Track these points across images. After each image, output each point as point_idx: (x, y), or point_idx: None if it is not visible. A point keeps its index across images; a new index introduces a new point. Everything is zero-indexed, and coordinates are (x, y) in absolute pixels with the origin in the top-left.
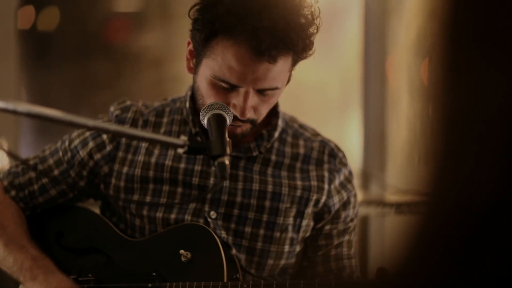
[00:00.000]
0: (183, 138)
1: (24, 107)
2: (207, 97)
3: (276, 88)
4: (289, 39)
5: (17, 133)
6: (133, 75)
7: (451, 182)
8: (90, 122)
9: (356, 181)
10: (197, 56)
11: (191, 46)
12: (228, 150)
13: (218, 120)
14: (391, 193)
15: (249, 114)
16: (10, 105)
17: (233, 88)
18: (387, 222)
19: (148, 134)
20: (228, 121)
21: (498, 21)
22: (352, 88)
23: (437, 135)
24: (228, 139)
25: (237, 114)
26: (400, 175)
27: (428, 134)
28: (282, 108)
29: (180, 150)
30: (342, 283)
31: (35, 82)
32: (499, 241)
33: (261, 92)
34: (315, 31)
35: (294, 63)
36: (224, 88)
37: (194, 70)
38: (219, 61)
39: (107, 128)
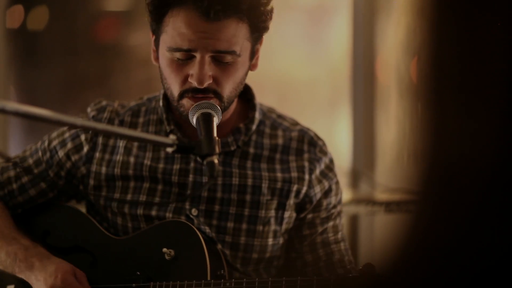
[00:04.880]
0: (172, 138)
1: (12, 106)
2: (168, 77)
3: (233, 52)
4: (235, 0)
5: (6, 132)
6: (123, 74)
7: (440, 180)
8: (79, 121)
9: (345, 180)
10: (156, 40)
11: (153, 38)
12: (217, 149)
13: (207, 119)
14: (381, 191)
15: (207, 82)
16: None
17: (188, 58)
18: (376, 221)
19: (137, 133)
20: (217, 120)
21: (484, 19)
22: (341, 86)
23: (426, 134)
24: (217, 138)
25: (195, 83)
26: (390, 173)
27: (417, 133)
28: (272, 106)
29: (169, 149)
30: (323, 280)
31: (24, 81)
32: (489, 238)
33: (219, 61)
34: (266, 1)
35: (252, 31)
36: (180, 61)
37: (157, 57)
38: (170, 32)
39: (95, 127)
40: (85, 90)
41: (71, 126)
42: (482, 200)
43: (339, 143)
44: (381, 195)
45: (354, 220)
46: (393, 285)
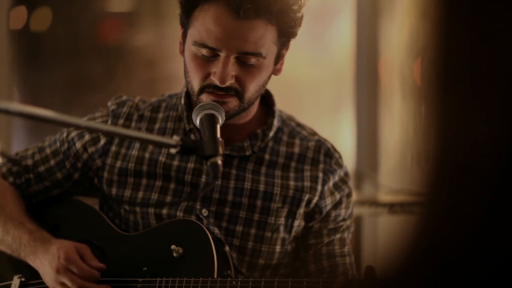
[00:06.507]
0: (176, 138)
1: (16, 107)
2: (191, 71)
3: (259, 54)
4: (267, 1)
5: (10, 133)
6: (126, 75)
7: (444, 182)
8: (83, 122)
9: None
10: (184, 33)
11: (181, 31)
12: (220, 150)
13: (211, 120)
14: (384, 193)
15: (229, 81)
16: (2, 105)
17: (213, 56)
18: (380, 222)
19: (140, 134)
20: (221, 120)
21: (489, 20)
22: (344, 88)
23: (430, 135)
24: (220, 139)
25: (217, 81)
26: (393, 175)
27: (421, 134)
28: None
29: (173, 150)
30: (329, 282)
31: (27, 82)
32: (492, 241)
33: (244, 62)
34: (297, 7)
35: (280, 36)
36: (205, 57)
37: (183, 50)
38: (198, 27)
39: (99, 128)
40: (88, 91)
41: (75, 127)
42: (487, 201)
43: (343, 145)
44: (384, 197)
45: (357, 222)
46: (398, 287)
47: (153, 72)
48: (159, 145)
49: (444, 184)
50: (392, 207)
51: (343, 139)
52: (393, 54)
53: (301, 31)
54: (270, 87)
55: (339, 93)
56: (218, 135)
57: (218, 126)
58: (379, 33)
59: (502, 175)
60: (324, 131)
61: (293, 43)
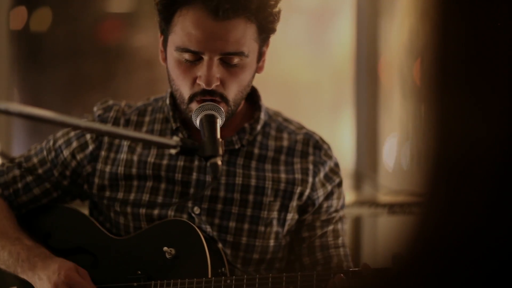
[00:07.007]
0: (176, 139)
1: (16, 107)
2: (176, 78)
3: (241, 53)
4: None
5: (9, 133)
6: (126, 75)
7: (443, 182)
8: (82, 123)
9: (348, 182)
10: (164, 40)
11: (162, 38)
12: (220, 151)
13: (210, 120)
14: (384, 193)
15: (215, 83)
16: (2, 106)
17: (196, 59)
18: (379, 223)
19: (141, 135)
20: (221, 121)
21: (488, 20)
22: (344, 88)
23: (429, 135)
24: (220, 139)
25: (203, 85)
26: (393, 175)
27: (420, 135)
28: (274, 108)
29: (173, 151)
30: (323, 274)
31: (27, 83)
32: (492, 241)
33: (227, 63)
34: (274, 2)
35: (260, 32)
36: (188, 62)
37: (165, 57)
38: (179, 32)
39: (99, 128)
40: (88, 92)
41: (75, 127)
42: (486, 201)
43: (343, 145)
44: (384, 197)
45: (357, 222)
46: (397, 286)
47: (153, 72)
48: (160, 146)
49: (443, 184)
50: (391, 208)
51: (343, 139)
52: (393, 55)
53: (301, 31)
54: (270, 87)
55: (339, 93)
56: (218, 135)
57: (218, 127)
58: (378, 34)
59: (501, 175)
60: (324, 131)
61: (293, 43)
